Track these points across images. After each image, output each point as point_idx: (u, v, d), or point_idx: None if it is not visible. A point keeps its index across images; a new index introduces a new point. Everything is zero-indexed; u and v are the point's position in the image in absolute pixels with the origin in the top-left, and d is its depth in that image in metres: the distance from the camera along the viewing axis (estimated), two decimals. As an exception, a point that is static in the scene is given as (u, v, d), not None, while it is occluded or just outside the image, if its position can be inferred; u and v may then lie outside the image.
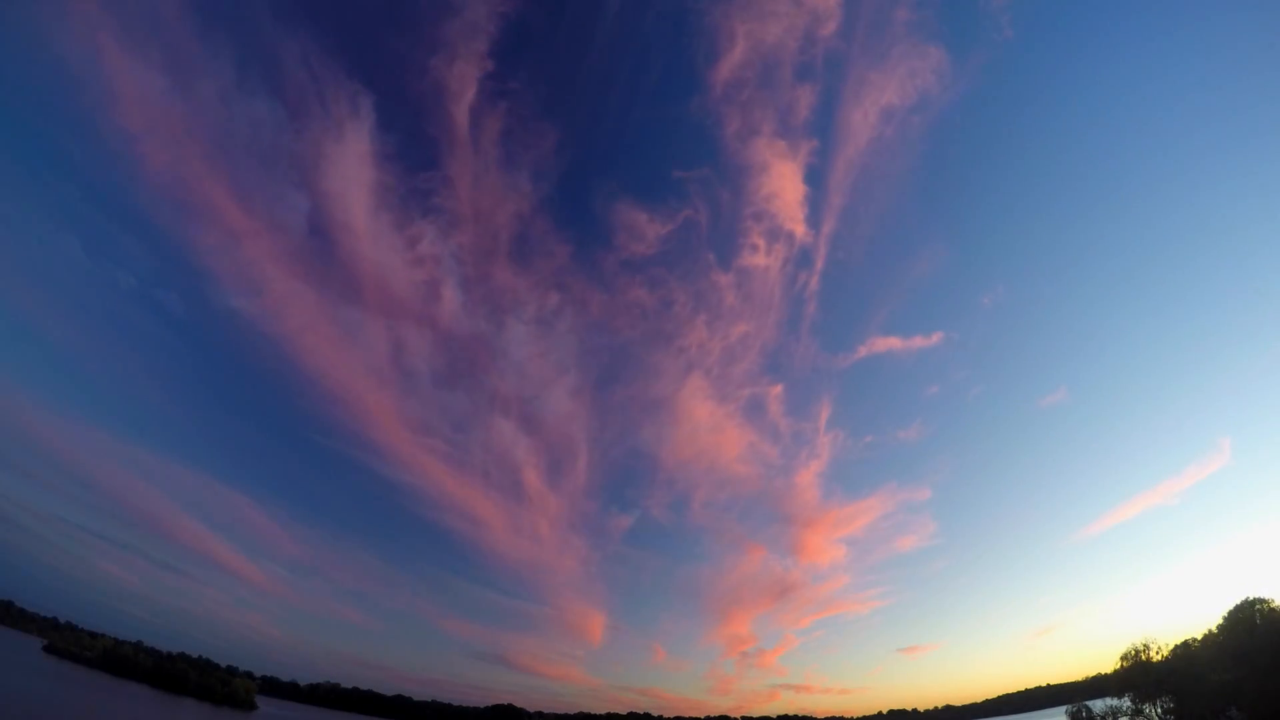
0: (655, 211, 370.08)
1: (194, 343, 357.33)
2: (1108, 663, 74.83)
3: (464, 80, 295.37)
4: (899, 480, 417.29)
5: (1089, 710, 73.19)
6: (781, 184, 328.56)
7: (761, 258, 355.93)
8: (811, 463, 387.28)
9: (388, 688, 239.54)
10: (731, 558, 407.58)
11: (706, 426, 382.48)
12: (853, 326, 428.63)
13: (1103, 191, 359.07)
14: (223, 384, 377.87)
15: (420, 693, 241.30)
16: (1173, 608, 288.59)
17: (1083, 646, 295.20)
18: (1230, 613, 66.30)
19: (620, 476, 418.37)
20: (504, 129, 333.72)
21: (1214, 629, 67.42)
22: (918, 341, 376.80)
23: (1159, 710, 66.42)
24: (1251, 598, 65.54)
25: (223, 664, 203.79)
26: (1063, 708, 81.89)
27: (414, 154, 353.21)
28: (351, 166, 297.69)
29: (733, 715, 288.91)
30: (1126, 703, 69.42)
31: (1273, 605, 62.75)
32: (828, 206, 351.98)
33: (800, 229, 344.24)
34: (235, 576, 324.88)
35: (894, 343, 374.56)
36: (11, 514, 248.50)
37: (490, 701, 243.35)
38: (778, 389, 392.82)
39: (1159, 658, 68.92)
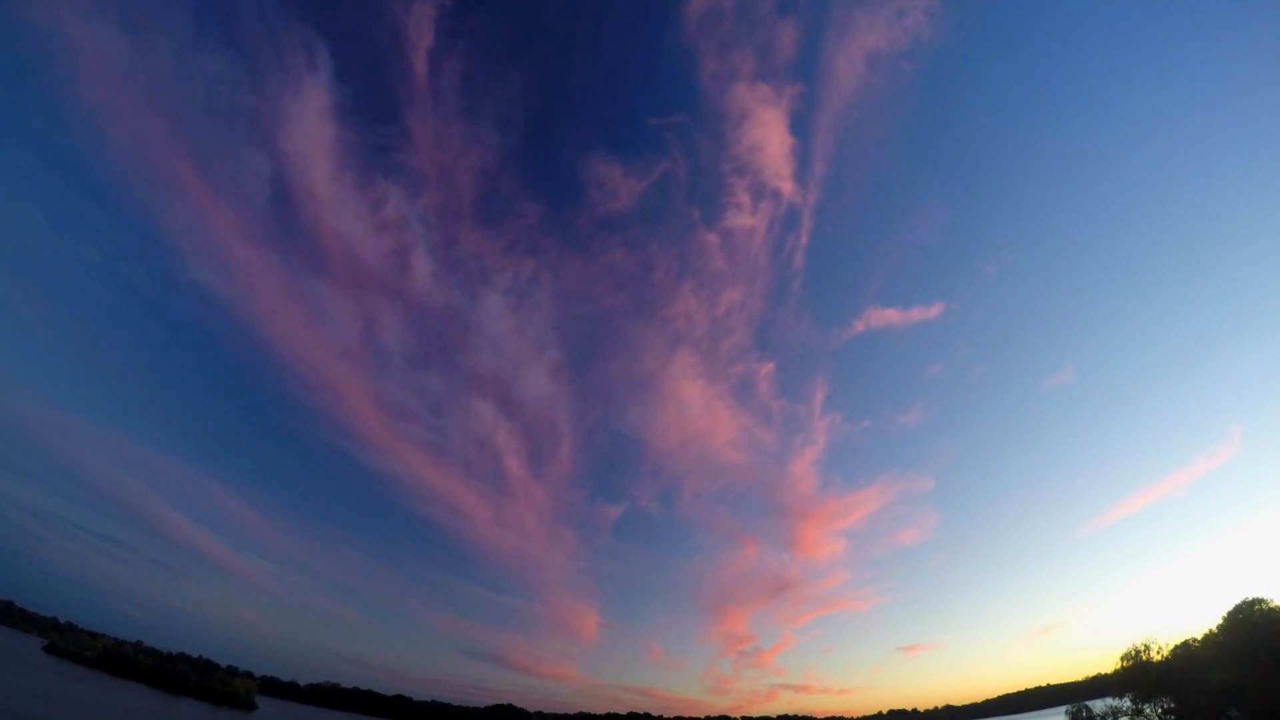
0: (630, 164, 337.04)
1: (163, 322, 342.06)
2: (1110, 662, 74.78)
3: (421, 20, 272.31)
4: (899, 469, 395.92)
5: (1089, 710, 73.09)
6: (765, 134, 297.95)
7: (747, 217, 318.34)
8: (806, 450, 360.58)
9: (385, 687, 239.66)
10: (725, 552, 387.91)
11: (695, 409, 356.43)
12: (846, 296, 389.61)
13: (1115, 153, 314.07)
14: (194, 367, 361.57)
15: (413, 691, 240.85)
16: (1179, 605, 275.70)
17: (1085, 645, 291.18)
18: (1230, 613, 66.28)
19: (606, 464, 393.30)
20: (464, 73, 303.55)
21: (1214, 629, 67.40)
22: (916, 314, 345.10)
23: (1159, 710, 66.33)
24: (1251, 598, 65.55)
25: (223, 664, 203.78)
26: (1063, 708, 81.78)
27: (373, 106, 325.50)
28: (311, 123, 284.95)
29: (733, 715, 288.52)
30: (1126, 703, 69.31)
31: (1273, 605, 62.70)
32: (815, 162, 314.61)
33: (787, 186, 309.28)
34: (222, 570, 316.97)
35: (891, 316, 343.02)
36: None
37: (486, 700, 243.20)
38: (768, 367, 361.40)
39: (1159, 658, 68.87)
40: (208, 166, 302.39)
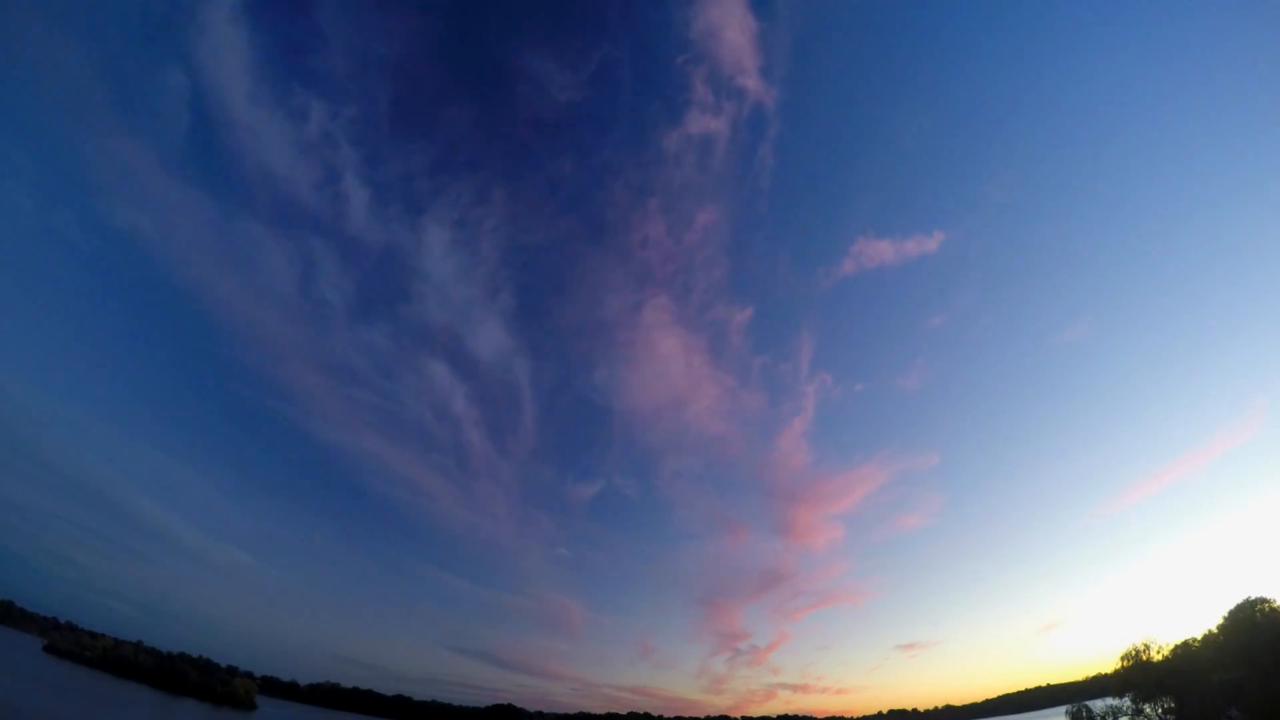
0: (564, 50, 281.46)
1: (97, 276, 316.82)
2: (1112, 661, 74.75)
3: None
4: (900, 442, 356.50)
5: (1089, 710, 72.95)
6: (721, 15, 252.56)
7: (709, 119, 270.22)
8: (795, 419, 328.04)
9: (385, 686, 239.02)
10: (713, 541, 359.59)
11: (670, 366, 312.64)
12: (830, 224, 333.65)
13: (1145, 62, 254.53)
14: (133, 328, 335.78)
15: (404, 689, 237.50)
16: (1188, 598, 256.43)
17: (1089, 643, 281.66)
18: (1231, 612, 66.19)
19: (573, 435, 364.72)
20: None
21: (1214, 629, 67.32)
22: (912, 246, 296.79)
23: (1159, 710, 66.22)
24: (1252, 597, 65.44)
25: (223, 664, 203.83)
26: (1063, 707, 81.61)
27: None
28: (223, 29, 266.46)
29: (732, 715, 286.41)
30: (1127, 703, 69.22)
31: (1273, 605, 62.57)
32: (782, 53, 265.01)
33: (752, 83, 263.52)
34: (192, 558, 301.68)
35: (884, 250, 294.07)
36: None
37: (478, 697, 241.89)
38: (745, 314, 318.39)
39: (1159, 658, 68.82)
40: (126, 90, 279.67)
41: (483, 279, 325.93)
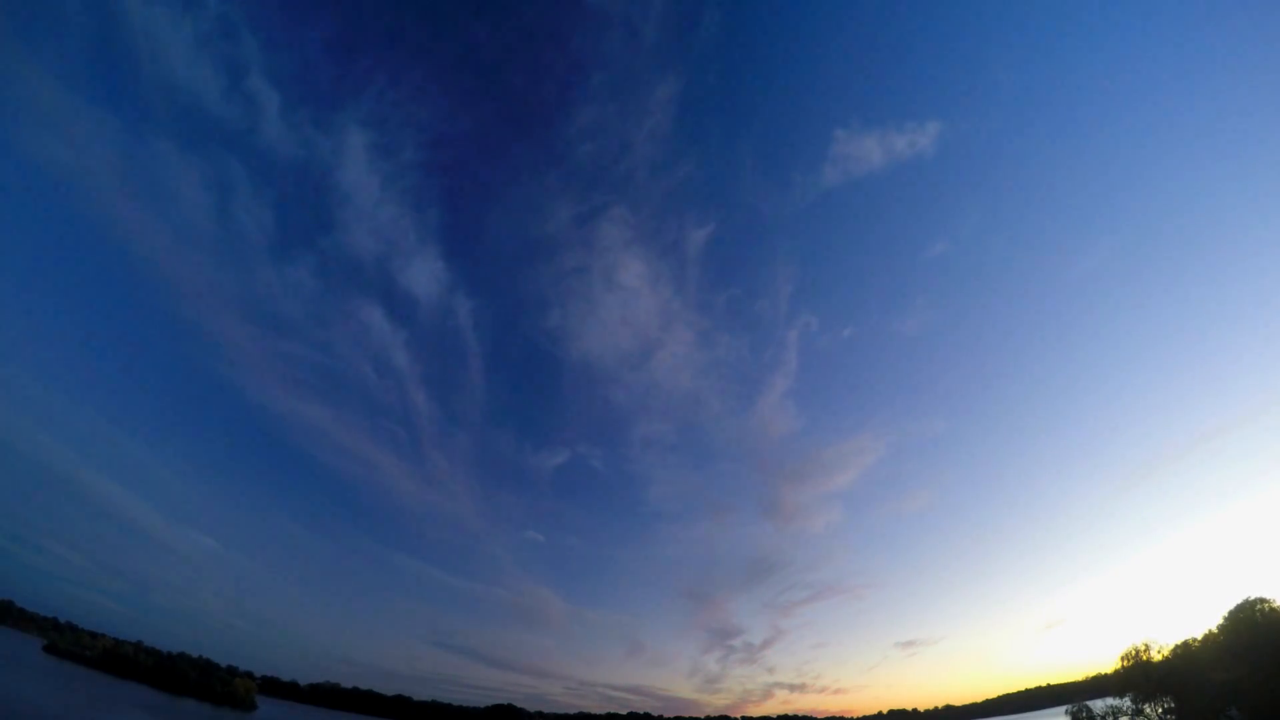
0: None
1: (19, 213, 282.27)
2: (1112, 661, 74.82)
3: None
4: (899, 401, 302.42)
5: (1089, 710, 72.96)
6: None
7: None
8: (776, 374, 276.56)
9: (385, 686, 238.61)
10: (695, 523, 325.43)
11: (633, 307, 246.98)
12: (800, 109, 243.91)
13: None
14: (64, 272, 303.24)
15: (393, 688, 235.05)
16: (1188, 598, 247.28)
17: (1089, 642, 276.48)
18: (1231, 612, 66.27)
19: (527, 392, 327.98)
20: None
21: (1214, 629, 67.34)
22: (903, 144, 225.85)
23: (1159, 710, 66.25)
24: (1252, 598, 65.44)
25: (223, 664, 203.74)
26: (1063, 707, 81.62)
27: None
28: None
29: (732, 715, 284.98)
30: (1127, 703, 69.24)
31: (1273, 605, 62.58)
32: None
33: None
34: (157, 542, 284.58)
35: (869, 149, 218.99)
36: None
37: (467, 695, 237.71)
38: (705, 231, 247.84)
39: (1159, 658, 68.86)
40: None
41: (409, 192, 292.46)
